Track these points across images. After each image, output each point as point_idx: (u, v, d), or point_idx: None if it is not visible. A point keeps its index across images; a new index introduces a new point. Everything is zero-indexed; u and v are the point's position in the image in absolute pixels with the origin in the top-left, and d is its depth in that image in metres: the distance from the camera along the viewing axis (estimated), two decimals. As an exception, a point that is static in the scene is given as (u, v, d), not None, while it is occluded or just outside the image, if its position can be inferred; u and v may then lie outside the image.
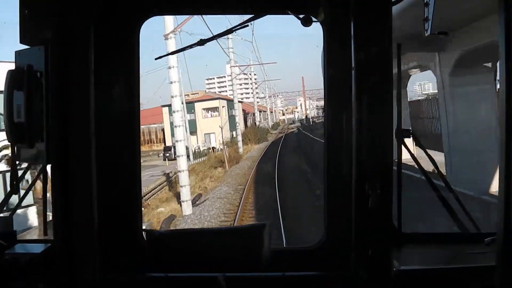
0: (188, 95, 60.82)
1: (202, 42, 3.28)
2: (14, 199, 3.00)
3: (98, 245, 2.86)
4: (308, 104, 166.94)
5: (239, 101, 78.14)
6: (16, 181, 2.86)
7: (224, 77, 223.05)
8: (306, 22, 2.97)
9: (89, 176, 2.83)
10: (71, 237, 2.81)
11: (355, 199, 2.82)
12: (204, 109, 67.44)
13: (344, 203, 2.89)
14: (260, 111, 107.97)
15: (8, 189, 2.97)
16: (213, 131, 62.54)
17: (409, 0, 3.00)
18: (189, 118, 53.33)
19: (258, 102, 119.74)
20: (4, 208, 2.91)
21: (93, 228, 2.85)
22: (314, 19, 2.95)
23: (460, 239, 3.12)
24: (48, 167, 2.84)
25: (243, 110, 79.69)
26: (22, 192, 3.11)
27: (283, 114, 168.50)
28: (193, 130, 56.38)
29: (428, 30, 3.00)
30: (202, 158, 47.01)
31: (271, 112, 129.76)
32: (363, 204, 2.78)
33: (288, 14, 2.96)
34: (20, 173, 2.98)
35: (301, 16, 2.93)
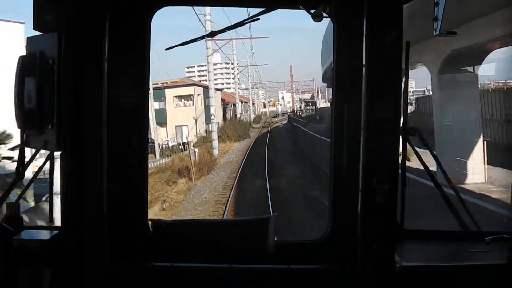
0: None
1: (212, 34, 3.38)
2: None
3: (105, 233, 2.91)
4: (287, 97, 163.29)
5: (217, 89, 63.79)
6: (22, 166, 2.89)
7: (205, 65, 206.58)
8: (317, 17, 3.01)
9: (99, 164, 2.89)
10: (79, 225, 2.86)
11: (361, 194, 2.89)
12: (176, 96, 54.49)
13: (350, 198, 2.97)
14: (242, 102, 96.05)
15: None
16: (186, 123, 54.61)
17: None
18: (157, 107, 50.09)
19: (239, 92, 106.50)
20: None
21: (101, 216, 2.91)
22: (325, 14, 2.96)
23: (462, 237, 3.16)
24: (57, 154, 2.82)
25: (222, 100, 70.86)
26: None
27: (265, 107, 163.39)
28: (162, 121, 50.77)
29: (437, 30, 3.04)
30: (168, 158, 37.02)
31: (253, 103, 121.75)
32: (368, 199, 2.85)
33: (300, 8, 3.02)
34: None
35: (311, 11, 2.96)
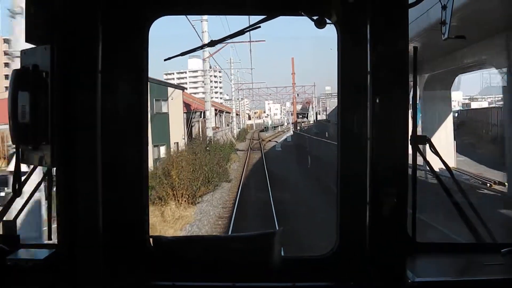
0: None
1: (212, 44, 3.32)
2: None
3: (103, 251, 2.87)
4: (274, 108, 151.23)
5: (176, 87, 45.89)
6: (19, 184, 2.83)
7: (186, 72, 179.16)
8: (320, 24, 2.93)
9: (95, 179, 2.84)
10: (75, 242, 2.82)
11: (369, 206, 2.83)
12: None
13: (358, 210, 2.89)
14: (221, 112, 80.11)
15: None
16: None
17: (426, 4, 3.10)
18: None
19: (221, 103, 74.23)
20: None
21: (98, 234, 2.85)
22: (328, 21, 2.96)
23: (476, 249, 3.08)
24: (53, 170, 2.84)
25: (187, 104, 48.57)
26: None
27: (250, 118, 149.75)
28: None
29: (446, 34, 2.99)
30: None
31: (237, 115, 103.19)
32: (377, 212, 2.78)
33: (302, 15, 2.96)
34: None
35: (314, 17, 2.92)
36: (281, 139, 74.18)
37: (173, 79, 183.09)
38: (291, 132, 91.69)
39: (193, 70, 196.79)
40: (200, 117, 50.68)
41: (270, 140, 74.41)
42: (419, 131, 3.11)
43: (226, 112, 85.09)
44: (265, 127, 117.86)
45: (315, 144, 43.41)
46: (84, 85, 2.80)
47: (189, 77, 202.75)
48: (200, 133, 46.13)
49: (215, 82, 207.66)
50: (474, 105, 74.77)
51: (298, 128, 76.05)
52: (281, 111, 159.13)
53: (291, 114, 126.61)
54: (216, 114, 68.71)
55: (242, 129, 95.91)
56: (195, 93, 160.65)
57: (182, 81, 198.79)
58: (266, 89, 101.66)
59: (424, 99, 30.20)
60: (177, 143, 39.97)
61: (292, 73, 72.30)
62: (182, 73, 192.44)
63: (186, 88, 59.69)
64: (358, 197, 2.90)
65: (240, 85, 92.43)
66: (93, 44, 2.81)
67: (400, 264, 2.76)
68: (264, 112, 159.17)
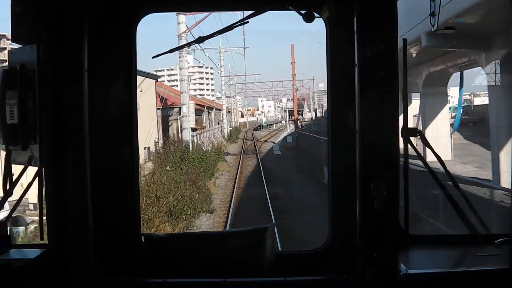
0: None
1: (200, 40, 3.30)
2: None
3: (93, 249, 2.89)
4: (267, 105, 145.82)
5: (147, 75, 34.25)
6: (10, 184, 2.85)
7: (176, 69, 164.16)
8: (308, 18, 2.93)
9: (84, 178, 2.86)
10: (65, 242, 2.84)
11: (360, 200, 2.84)
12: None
13: (349, 204, 2.91)
14: (210, 109, 67.72)
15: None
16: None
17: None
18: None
19: (213, 100, 68.27)
20: None
21: (89, 232, 2.87)
22: (316, 14, 2.98)
23: (470, 240, 3.11)
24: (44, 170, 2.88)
25: (163, 98, 37.78)
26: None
27: (242, 116, 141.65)
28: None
29: (435, 25, 3.05)
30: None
31: (229, 112, 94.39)
32: (369, 205, 2.79)
33: (290, 9, 2.97)
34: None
35: (302, 12, 2.93)
36: (278, 139, 63.43)
37: (163, 75, 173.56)
38: (289, 131, 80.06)
39: (183, 67, 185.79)
40: (171, 111, 39.60)
41: (266, 141, 63.19)
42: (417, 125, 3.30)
43: (216, 109, 73.97)
44: (259, 125, 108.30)
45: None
46: (71, 84, 2.81)
47: (180, 74, 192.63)
48: (178, 134, 35.09)
49: (206, 79, 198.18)
50: (477, 101, 74.45)
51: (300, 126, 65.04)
52: (275, 108, 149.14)
53: (286, 111, 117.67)
54: (202, 111, 56.96)
55: (234, 128, 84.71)
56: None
57: (172, 78, 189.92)
58: (261, 83, 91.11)
59: (424, 95, 32.64)
60: (148, 148, 29.21)
61: (291, 62, 61.07)
62: (172, 69, 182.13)
63: (160, 77, 48.75)
64: (349, 191, 2.92)
65: (231, 78, 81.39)
66: (79, 43, 2.82)
67: (392, 256, 2.79)
68: (257, 109, 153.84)
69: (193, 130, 43.87)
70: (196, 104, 53.54)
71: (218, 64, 63.95)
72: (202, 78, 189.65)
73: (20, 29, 2.74)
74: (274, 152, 47.76)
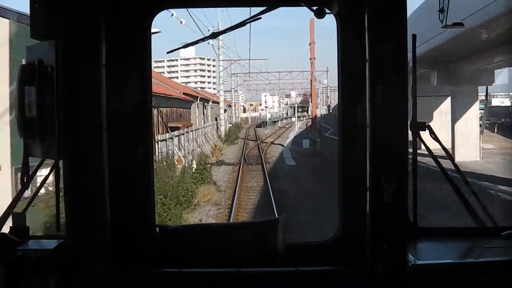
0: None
1: (214, 35, 3.56)
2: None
3: (110, 240, 2.97)
4: (271, 100, 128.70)
5: None
6: (27, 177, 2.92)
7: (177, 60, 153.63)
8: (320, 14, 2.97)
9: (101, 171, 2.92)
10: (83, 233, 2.90)
11: (370, 193, 2.92)
12: None
13: (359, 197, 2.99)
14: (206, 101, 56.32)
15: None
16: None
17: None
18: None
19: (214, 94, 76.68)
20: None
21: (105, 224, 2.95)
22: (327, 10, 3.06)
23: (477, 233, 3.16)
24: (60, 163, 2.99)
25: None
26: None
27: (245, 111, 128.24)
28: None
29: (444, 22, 3.10)
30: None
31: (229, 106, 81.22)
32: (378, 198, 2.85)
33: (301, 6, 3.02)
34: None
35: (314, 8, 2.99)
36: (288, 141, 49.32)
37: (163, 67, 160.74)
38: (297, 130, 64.98)
39: (185, 58, 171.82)
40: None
41: (273, 143, 49.14)
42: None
43: (214, 102, 60.05)
44: (263, 122, 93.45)
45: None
46: (89, 79, 2.87)
47: (181, 65, 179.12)
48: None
49: (208, 71, 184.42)
50: (495, 101, 70.28)
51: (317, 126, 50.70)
52: (279, 104, 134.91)
53: (295, 107, 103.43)
54: (191, 104, 43.04)
55: (234, 125, 70.57)
56: (187, 83, 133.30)
57: (173, 69, 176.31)
58: (266, 73, 77.29)
59: (454, 93, 32.68)
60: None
61: (310, 42, 45.49)
62: (173, 60, 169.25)
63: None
64: (359, 183, 2.98)
65: (232, 63, 67.41)
66: (96, 39, 2.87)
67: (401, 248, 2.84)
68: (260, 104, 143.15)
69: (174, 129, 29.65)
70: (183, 93, 39.51)
71: (216, 46, 50.93)
72: (203, 71, 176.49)
73: (38, 25, 2.77)
74: (286, 162, 34.14)
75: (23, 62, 2.82)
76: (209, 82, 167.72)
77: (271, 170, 31.69)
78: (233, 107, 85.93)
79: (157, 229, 3.08)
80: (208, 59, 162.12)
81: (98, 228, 2.86)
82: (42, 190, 3.26)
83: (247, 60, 69.96)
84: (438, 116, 41.64)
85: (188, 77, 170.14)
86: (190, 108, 44.33)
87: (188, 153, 33.06)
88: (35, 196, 3.19)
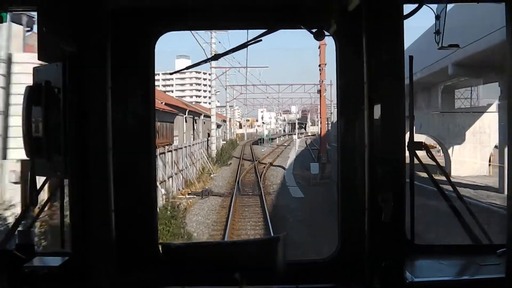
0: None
1: (216, 57, 3.45)
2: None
3: (115, 258, 3.01)
4: (267, 116, 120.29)
5: None
6: (34, 194, 2.94)
7: (171, 73, 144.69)
8: (319, 36, 3.07)
9: (106, 189, 2.97)
10: (88, 250, 2.95)
11: (368, 211, 2.95)
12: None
13: (358, 215, 3.04)
14: (197, 115, 51.44)
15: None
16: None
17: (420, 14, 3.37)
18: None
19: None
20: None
21: (110, 241, 2.99)
22: (326, 32, 3.16)
23: (473, 250, 3.22)
24: (66, 181, 3.10)
25: None
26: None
27: (241, 127, 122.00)
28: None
29: (440, 43, 3.13)
30: None
31: (224, 121, 75.14)
32: (376, 216, 2.87)
33: (301, 28, 3.12)
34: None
35: (313, 30, 3.09)
36: (289, 162, 42.11)
37: (158, 80, 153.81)
38: (297, 148, 57.71)
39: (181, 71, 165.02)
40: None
41: (272, 164, 41.41)
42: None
43: (206, 117, 52.66)
44: (260, 139, 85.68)
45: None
46: (95, 99, 2.93)
47: (176, 78, 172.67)
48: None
49: (204, 85, 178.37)
50: None
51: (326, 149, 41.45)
52: (276, 120, 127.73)
53: (295, 123, 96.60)
54: (174, 116, 35.46)
55: (228, 142, 62.88)
56: (182, 96, 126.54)
57: (167, 82, 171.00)
58: (265, 87, 69.55)
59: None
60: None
61: (320, 45, 36.18)
62: (167, 73, 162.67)
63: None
64: (357, 202, 3.03)
65: (227, 70, 59.27)
66: (102, 61, 2.95)
67: (399, 265, 2.87)
68: (257, 120, 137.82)
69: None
70: (165, 104, 31.74)
71: (208, 51, 43.49)
72: (199, 84, 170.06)
73: (46, 47, 2.81)
74: (292, 194, 26.27)
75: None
76: (204, 97, 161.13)
77: (273, 208, 23.81)
78: (227, 123, 78.33)
79: (160, 247, 3.16)
80: (204, 73, 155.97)
81: (103, 245, 2.92)
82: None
83: (244, 68, 61.03)
84: (471, 136, 34.37)
85: (183, 90, 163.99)
86: (172, 122, 36.58)
87: (163, 182, 25.01)
88: (40, 213, 3.29)
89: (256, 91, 72.94)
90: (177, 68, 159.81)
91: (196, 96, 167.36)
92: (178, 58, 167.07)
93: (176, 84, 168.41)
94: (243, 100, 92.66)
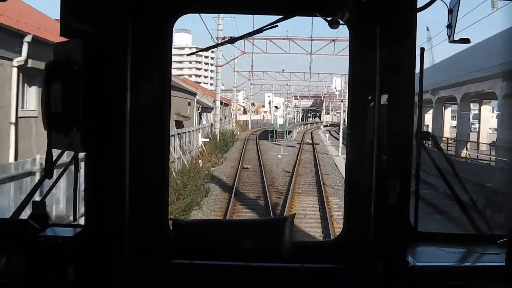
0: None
1: (232, 40, 3.43)
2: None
3: (126, 231, 3.18)
4: (275, 102, 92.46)
5: None
6: (51, 167, 3.11)
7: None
8: (333, 24, 3.13)
9: (122, 164, 3.13)
10: (100, 223, 3.12)
11: (375, 196, 3.15)
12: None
13: (364, 199, 3.21)
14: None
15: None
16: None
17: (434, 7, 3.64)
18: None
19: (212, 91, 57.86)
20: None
21: (123, 215, 3.14)
22: (341, 21, 3.33)
23: (474, 239, 3.37)
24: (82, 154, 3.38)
25: None
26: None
27: (245, 112, 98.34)
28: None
29: (451, 37, 3.11)
30: None
31: (226, 104, 63.16)
32: (382, 201, 3.07)
33: (316, 16, 3.23)
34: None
35: (328, 18, 3.21)
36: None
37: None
38: (340, 154, 31.77)
39: (180, 47, 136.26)
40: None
41: (305, 211, 15.32)
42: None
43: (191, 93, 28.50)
44: (272, 132, 54.46)
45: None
46: (113, 77, 3.09)
47: (174, 54, 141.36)
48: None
49: (205, 63, 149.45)
50: None
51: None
52: (286, 106, 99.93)
53: (304, 110, 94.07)
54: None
55: (220, 138, 37.39)
56: (180, 75, 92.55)
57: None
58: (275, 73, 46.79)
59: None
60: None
61: None
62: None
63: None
64: (365, 188, 3.20)
65: (228, 39, 34.82)
66: (122, 40, 3.08)
67: (401, 250, 3.02)
68: (263, 106, 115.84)
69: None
70: None
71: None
72: (200, 63, 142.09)
73: (68, 24, 2.98)
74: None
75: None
76: (205, 77, 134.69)
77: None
78: (231, 107, 53.98)
79: (170, 222, 3.37)
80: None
81: (116, 219, 3.08)
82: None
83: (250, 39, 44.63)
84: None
85: (181, 68, 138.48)
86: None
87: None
88: (54, 185, 3.39)
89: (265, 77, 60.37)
90: (176, 43, 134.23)
91: (196, 75, 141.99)
92: (178, 32, 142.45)
93: (174, 61, 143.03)
94: (250, 80, 69.39)
